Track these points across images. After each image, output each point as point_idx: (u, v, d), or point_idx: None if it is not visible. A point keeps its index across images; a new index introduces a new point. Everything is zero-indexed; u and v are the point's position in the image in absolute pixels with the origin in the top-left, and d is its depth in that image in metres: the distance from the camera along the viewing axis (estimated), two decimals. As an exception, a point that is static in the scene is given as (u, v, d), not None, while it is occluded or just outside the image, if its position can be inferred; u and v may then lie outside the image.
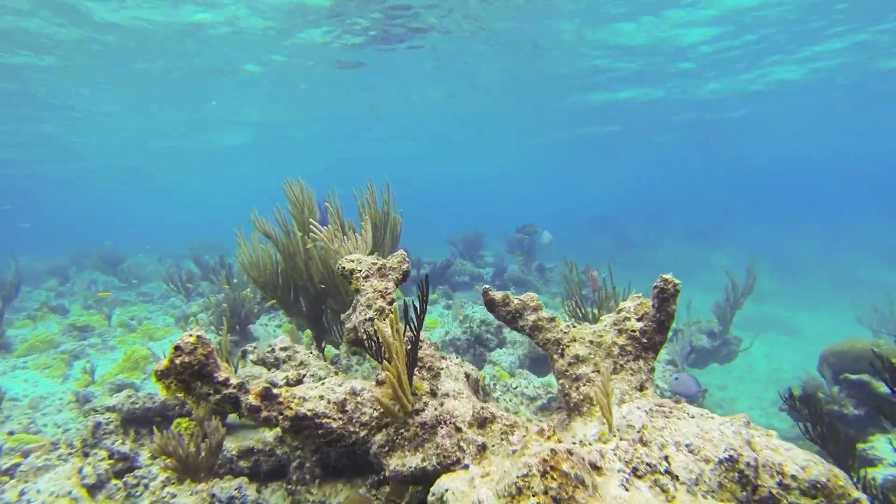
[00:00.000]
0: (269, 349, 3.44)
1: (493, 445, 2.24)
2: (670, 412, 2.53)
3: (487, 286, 3.13)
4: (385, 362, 2.23)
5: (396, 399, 2.28)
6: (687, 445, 1.96)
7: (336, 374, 3.44)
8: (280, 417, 2.17)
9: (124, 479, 3.30)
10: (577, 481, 1.45)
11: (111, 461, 3.53)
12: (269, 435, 3.36)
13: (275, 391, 2.19)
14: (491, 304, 3.08)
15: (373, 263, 3.07)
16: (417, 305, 2.42)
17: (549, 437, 1.61)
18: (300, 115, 19.47)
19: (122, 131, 20.97)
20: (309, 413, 2.22)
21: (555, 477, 1.43)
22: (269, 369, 3.46)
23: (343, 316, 3.05)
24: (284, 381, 3.07)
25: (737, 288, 8.46)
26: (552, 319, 3.07)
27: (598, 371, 2.86)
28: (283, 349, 3.43)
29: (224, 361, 2.26)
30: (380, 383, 2.52)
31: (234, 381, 2.14)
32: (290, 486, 3.05)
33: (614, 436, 2.03)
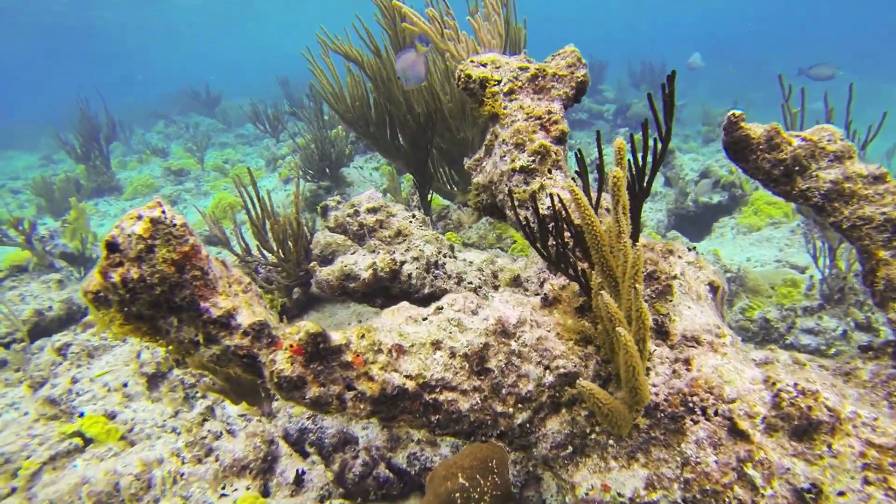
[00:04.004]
0: (352, 210, 2.26)
1: (844, 494, 0.94)
2: None
3: (739, 111, 1.55)
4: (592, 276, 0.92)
5: (630, 367, 1.01)
6: None
7: (450, 253, 2.23)
8: (350, 398, 0.99)
9: (182, 377, 2.54)
10: None
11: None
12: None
13: (334, 341, 0.99)
14: (742, 146, 1.52)
15: (520, 68, 1.59)
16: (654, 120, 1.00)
17: None
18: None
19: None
20: (411, 386, 1.02)
21: None
22: (352, 240, 2.33)
23: (468, 163, 1.72)
24: (371, 271, 1.91)
25: None
26: (879, 178, 1.49)
27: None
28: (371, 210, 2.23)
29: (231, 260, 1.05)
30: (549, 303, 1.24)
31: (245, 318, 0.95)
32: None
33: None
